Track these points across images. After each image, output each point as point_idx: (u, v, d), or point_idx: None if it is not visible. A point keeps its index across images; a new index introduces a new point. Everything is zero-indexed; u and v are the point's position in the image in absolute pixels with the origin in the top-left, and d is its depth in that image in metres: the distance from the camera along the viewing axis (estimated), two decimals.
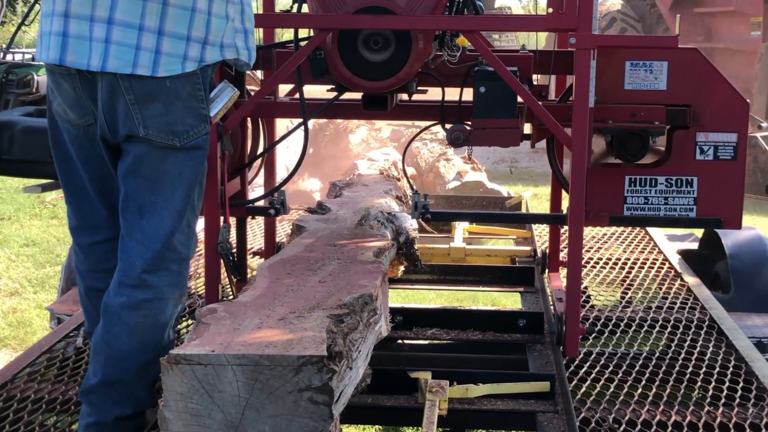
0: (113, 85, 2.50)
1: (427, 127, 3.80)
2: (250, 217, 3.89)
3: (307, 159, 3.66)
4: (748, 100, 3.39)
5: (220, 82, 2.74)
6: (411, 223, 3.69)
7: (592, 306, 4.12)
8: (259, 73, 4.04)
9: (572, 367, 3.28)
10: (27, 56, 15.26)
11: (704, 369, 3.30)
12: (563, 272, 4.11)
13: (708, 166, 3.40)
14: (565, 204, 3.58)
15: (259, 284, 2.71)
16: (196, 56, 2.54)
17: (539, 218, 4.79)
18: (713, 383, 3.19)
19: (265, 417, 2.07)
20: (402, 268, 3.81)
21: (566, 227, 3.38)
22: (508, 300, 6.44)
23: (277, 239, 4.21)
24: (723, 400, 3.06)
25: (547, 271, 4.42)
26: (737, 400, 3.07)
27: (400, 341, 4.03)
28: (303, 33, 3.36)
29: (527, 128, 3.63)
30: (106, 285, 2.62)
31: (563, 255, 4.27)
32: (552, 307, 3.89)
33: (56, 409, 3.02)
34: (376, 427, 4.76)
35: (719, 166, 3.40)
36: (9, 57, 17.01)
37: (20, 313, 6.72)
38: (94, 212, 2.74)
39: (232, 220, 3.52)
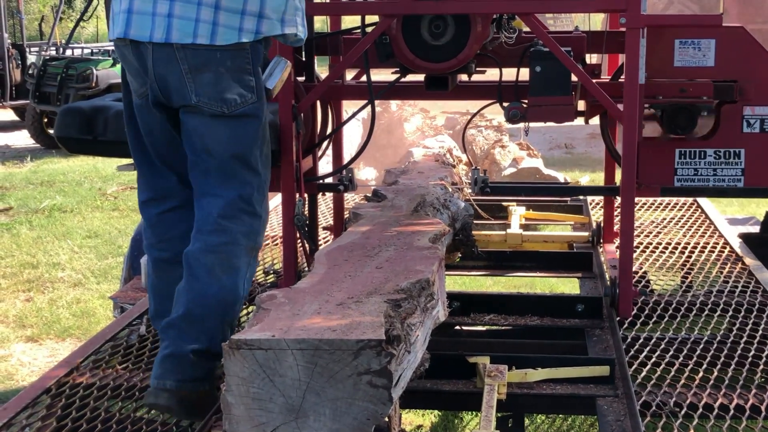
0: (170, 56, 2.69)
1: (485, 106, 3.92)
2: (320, 193, 4.08)
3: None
4: None
5: (274, 57, 2.92)
6: (467, 210, 3.70)
7: (652, 290, 4.07)
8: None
9: (632, 352, 3.25)
10: (86, 51, 15.50)
11: (766, 353, 3.25)
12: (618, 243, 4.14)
13: (755, 139, 3.54)
14: (618, 178, 3.68)
15: (317, 271, 2.73)
16: (252, 28, 2.72)
17: (594, 190, 4.99)
18: None
19: (326, 400, 2.09)
20: (459, 254, 3.81)
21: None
22: (566, 286, 6.40)
23: (345, 215, 4.30)
24: None
25: (602, 242, 4.57)
26: None
27: (457, 327, 4.03)
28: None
29: (581, 105, 3.76)
30: (172, 254, 2.82)
31: (617, 228, 4.31)
32: (606, 273, 3.99)
33: (121, 395, 3.08)
34: (435, 411, 4.77)
35: (765, 138, 3.52)
36: (68, 52, 17.12)
37: (84, 303, 6.84)
38: (161, 181, 2.93)
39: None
